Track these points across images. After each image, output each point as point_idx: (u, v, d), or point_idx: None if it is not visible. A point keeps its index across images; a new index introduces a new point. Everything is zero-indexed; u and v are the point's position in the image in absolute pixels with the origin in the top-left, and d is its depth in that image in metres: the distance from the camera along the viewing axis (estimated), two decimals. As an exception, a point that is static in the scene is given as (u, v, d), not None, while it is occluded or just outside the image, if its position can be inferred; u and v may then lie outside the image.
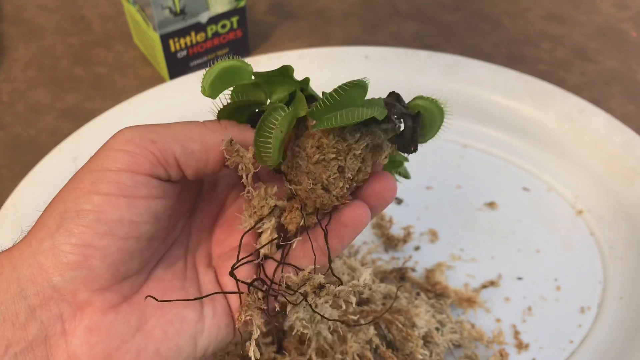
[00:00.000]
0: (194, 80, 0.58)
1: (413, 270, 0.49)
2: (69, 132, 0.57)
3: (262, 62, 0.57)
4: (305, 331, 0.31)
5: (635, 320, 0.46)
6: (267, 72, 0.29)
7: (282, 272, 0.30)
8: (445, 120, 0.30)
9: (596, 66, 0.69)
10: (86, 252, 0.25)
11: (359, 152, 0.29)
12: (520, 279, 0.49)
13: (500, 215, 0.54)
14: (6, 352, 0.25)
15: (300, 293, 0.29)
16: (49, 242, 0.25)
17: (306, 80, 0.29)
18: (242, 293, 0.30)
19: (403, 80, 0.60)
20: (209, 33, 0.63)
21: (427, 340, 0.42)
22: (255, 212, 0.30)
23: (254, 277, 0.30)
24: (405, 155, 0.32)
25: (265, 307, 0.29)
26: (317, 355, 0.38)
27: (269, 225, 0.30)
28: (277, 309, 0.30)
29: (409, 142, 0.29)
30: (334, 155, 0.28)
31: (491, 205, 0.54)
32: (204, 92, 0.28)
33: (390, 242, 0.51)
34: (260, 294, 0.29)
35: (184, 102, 0.56)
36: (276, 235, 0.30)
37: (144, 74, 0.67)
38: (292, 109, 0.28)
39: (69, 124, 0.61)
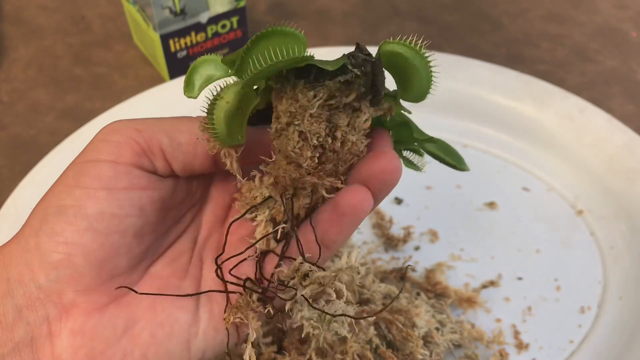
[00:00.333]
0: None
1: (413, 270, 0.49)
2: (69, 132, 0.57)
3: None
4: (315, 332, 0.29)
5: (635, 320, 0.46)
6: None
7: (277, 267, 0.28)
8: (434, 72, 0.26)
9: (596, 66, 0.69)
10: (68, 250, 0.25)
11: (315, 110, 0.26)
12: (520, 279, 0.49)
13: (500, 215, 0.54)
14: None
15: (290, 287, 0.27)
16: (34, 241, 0.25)
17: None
18: (235, 293, 0.28)
19: (403, 80, 0.60)
20: (209, 33, 0.63)
21: (427, 340, 0.42)
22: (248, 203, 0.29)
23: (251, 276, 0.28)
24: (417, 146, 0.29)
25: (260, 310, 0.28)
26: (317, 355, 0.38)
27: (262, 217, 0.28)
28: (271, 312, 0.28)
29: (369, 92, 0.26)
30: (288, 119, 0.26)
31: (491, 205, 0.54)
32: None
33: (390, 242, 0.51)
34: (255, 296, 0.28)
35: (184, 102, 0.56)
36: (271, 229, 0.28)
37: (144, 74, 0.67)
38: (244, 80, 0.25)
39: (69, 124, 0.61)
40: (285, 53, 0.23)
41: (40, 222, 0.25)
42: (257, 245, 0.28)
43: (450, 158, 0.30)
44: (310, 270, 0.27)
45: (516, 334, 0.46)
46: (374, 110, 0.27)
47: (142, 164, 0.26)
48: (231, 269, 0.28)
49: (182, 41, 0.62)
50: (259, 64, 0.23)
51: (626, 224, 0.52)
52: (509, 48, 0.71)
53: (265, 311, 0.28)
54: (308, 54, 0.24)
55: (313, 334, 0.29)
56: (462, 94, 0.61)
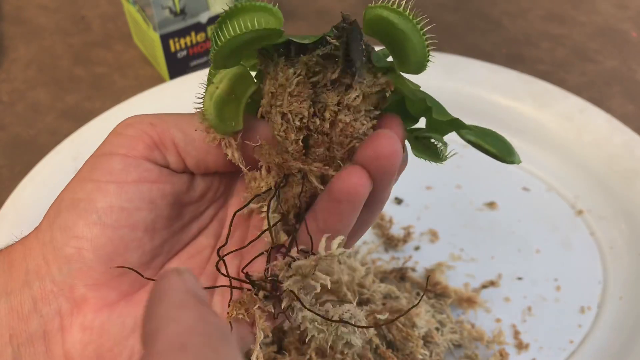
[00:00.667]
0: (194, 80, 0.58)
1: (413, 270, 0.49)
2: (69, 132, 0.57)
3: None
4: (320, 335, 0.27)
5: (635, 320, 0.46)
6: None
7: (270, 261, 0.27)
8: (427, 38, 0.23)
9: (596, 66, 0.69)
10: (78, 244, 0.25)
11: (293, 88, 0.24)
12: (520, 279, 0.49)
13: (500, 215, 0.54)
14: (10, 342, 0.25)
15: (277, 281, 0.26)
16: (49, 234, 0.25)
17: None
18: (239, 289, 0.27)
19: (403, 80, 0.60)
20: (209, 33, 0.63)
21: (427, 340, 0.42)
22: (253, 194, 0.27)
23: (261, 271, 0.27)
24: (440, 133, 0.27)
25: (269, 309, 0.27)
26: (317, 356, 0.38)
27: (265, 207, 0.27)
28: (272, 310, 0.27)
29: (344, 61, 0.24)
30: (270, 100, 0.25)
31: (491, 205, 0.54)
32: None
33: (390, 242, 0.51)
34: (261, 294, 0.26)
35: (184, 102, 0.56)
36: (277, 219, 0.27)
37: (144, 74, 0.67)
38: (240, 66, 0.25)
39: (69, 124, 0.61)
40: (252, 25, 0.22)
41: (54, 216, 0.26)
42: (265, 238, 0.27)
43: (492, 147, 0.27)
44: (293, 260, 0.26)
45: (516, 334, 0.46)
46: (367, 86, 0.25)
47: (153, 157, 0.26)
48: (244, 267, 0.27)
49: (182, 41, 0.62)
50: (224, 37, 0.22)
51: (626, 224, 0.52)
52: (509, 48, 0.71)
53: (274, 310, 0.27)
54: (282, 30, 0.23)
55: (317, 337, 0.27)
56: (462, 94, 0.61)
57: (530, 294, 0.48)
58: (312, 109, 0.24)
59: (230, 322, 0.27)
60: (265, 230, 0.27)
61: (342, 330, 0.27)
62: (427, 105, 0.25)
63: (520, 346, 0.45)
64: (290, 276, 0.26)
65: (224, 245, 0.28)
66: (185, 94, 0.58)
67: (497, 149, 0.26)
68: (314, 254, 0.26)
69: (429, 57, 0.24)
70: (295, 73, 0.24)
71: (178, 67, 0.64)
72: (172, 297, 0.19)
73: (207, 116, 0.25)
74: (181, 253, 0.29)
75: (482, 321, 0.47)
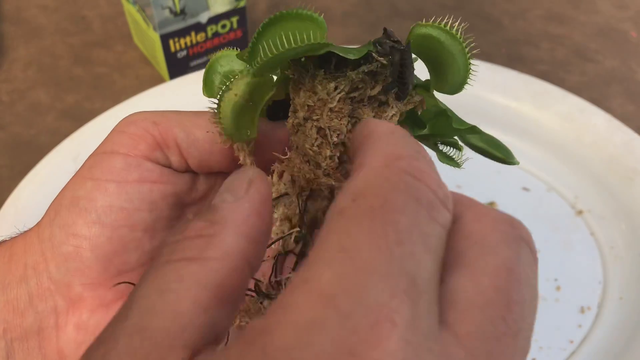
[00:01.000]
0: (194, 80, 0.58)
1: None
2: (69, 132, 0.57)
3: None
4: None
5: (635, 320, 0.46)
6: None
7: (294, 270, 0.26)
8: (472, 61, 0.23)
9: (596, 66, 0.69)
10: (77, 242, 0.25)
11: (335, 104, 0.23)
12: (520, 279, 0.49)
13: (500, 215, 0.54)
14: (3, 335, 0.25)
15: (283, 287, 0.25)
16: (49, 231, 0.25)
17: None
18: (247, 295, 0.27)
19: (403, 80, 0.60)
20: (209, 33, 0.63)
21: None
22: None
23: (264, 278, 0.26)
24: (457, 137, 0.26)
25: None
26: None
27: (276, 215, 0.26)
28: None
29: (395, 85, 0.23)
30: (306, 114, 0.23)
31: (491, 205, 0.54)
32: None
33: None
34: (267, 302, 0.25)
35: (184, 102, 0.56)
36: (287, 229, 0.26)
37: (144, 74, 0.67)
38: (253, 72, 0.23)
39: (69, 124, 0.61)
40: (299, 39, 0.20)
41: (55, 213, 0.25)
42: (272, 245, 0.26)
43: (497, 151, 0.27)
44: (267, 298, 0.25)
45: (516, 334, 0.46)
46: (402, 104, 0.24)
47: (155, 157, 0.26)
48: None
49: (182, 41, 0.62)
50: (270, 51, 0.21)
51: (626, 224, 0.52)
52: (509, 48, 0.71)
53: None
54: (327, 41, 0.21)
55: None
56: (462, 94, 0.60)
57: (530, 294, 0.48)
58: (349, 125, 0.23)
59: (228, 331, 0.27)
60: (279, 239, 0.26)
61: None
62: (448, 115, 0.25)
63: (520, 346, 0.45)
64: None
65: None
66: (185, 94, 0.59)
67: (502, 153, 0.26)
68: None
69: (469, 80, 0.23)
70: (337, 88, 0.23)
71: (178, 67, 0.64)
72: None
73: (224, 125, 0.24)
74: None
75: (482, 321, 0.47)
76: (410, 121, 0.26)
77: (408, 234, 0.15)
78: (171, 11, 0.59)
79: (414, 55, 0.24)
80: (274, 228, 0.27)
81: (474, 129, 0.25)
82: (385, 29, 0.23)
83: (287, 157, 0.25)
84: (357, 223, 0.15)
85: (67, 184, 0.26)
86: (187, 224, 0.18)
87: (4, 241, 0.27)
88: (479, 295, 0.16)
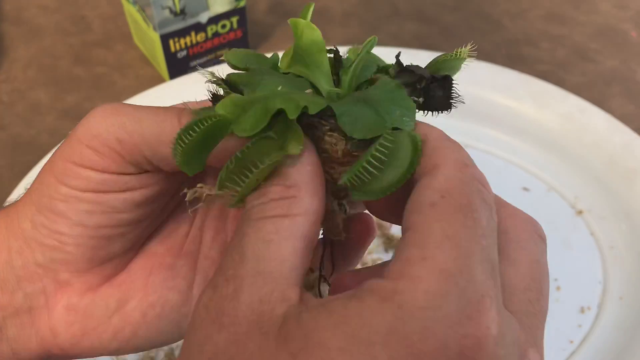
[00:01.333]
0: (194, 80, 0.58)
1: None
2: (69, 132, 0.57)
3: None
4: None
5: (635, 320, 0.46)
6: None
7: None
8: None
9: (596, 66, 0.69)
10: (60, 239, 0.25)
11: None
12: (520, 279, 0.49)
13: (500, 215, 0.54)
14: None
15: None
16: (29, 223, 0.25)
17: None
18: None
19: (403, 80, 0.60)
20: (209, 33, 0.63)
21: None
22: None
23: None
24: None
25: None
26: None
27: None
28: None
29: (443, 107, 0.25)
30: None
31: (491, 205, 0.54)
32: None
33: (390, 242, 0.51)
34: None
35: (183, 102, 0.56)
36: None
37: (144, 74, 0.67)
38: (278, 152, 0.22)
39: (69, 124, 0.61)
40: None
41: (35, 208, 0.25)
42: None
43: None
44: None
45: (516, 334, 0.46)
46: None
47: (129, 171, 0.25)
48: None
49: (182, 41, 0.62)
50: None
51: (626, 224, 0.52)
52: (509, 48, 0.71)
53: None
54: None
55: None
56: (462, 94, 0.60)
57: (530, 294, 0.48)
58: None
59: None
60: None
61: None
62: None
63: (520, 346, 0.45)
64: None
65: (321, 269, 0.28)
66: (185, 94, 0.59)
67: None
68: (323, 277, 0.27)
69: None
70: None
71: (178, 67, 0.64)
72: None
73: (176, 159, 0.23)
74: (160, 232, 0.29)
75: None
76: None
77: (487, 229, 0.19)
78: (171, 11, 0.59)
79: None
80: None
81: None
82: (403, 66, 0.24)
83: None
84: (452, 216, 0.19)
85: (39, 181, 0.25)
86: (267, 189, 0.21)
87: None
88: (521, 282, 0.21)
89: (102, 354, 0.27)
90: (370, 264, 0.49)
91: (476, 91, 0.61)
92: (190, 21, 0.61)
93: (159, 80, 0.66)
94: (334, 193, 0.25)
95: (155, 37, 0.61)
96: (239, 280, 0.20)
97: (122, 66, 0.68)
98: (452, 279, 0.18)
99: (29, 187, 0.26)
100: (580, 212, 0.54)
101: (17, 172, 0.56)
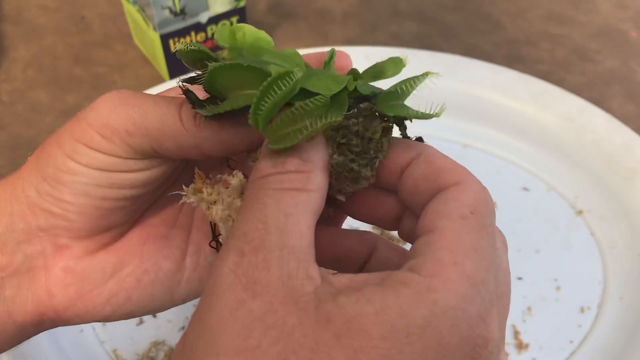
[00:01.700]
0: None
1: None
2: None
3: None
4: None
5: (635, 320, 0.46)
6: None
7: None
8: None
9: (596, 66, 0.69)
10: (64, 206, 0.26)
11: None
12: (520, 279, 0.49)
13: (500, 215, 0.53)
14: None
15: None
16: (34, 191, 0.26)
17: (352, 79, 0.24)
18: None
19: (403, 80, 0.60)
20: (209, 33, 0.63)
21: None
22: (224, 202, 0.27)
23: None
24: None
25: None
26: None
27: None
28: None
29: None
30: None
31: (491, 205, 0.54)
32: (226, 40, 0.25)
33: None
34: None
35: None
36: None
37: (144, 74, 0.67)
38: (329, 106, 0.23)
39: (69, 124, 0.61)
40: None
41: (41, 177, 0.26)
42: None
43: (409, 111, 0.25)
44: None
45: (516, 334, 0.46)
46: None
47: (135, 156, 0.26)
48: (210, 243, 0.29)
49: (182, 41, 0.62)
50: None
51: (626, 224, 0.52)
52: (509, 48, 0.71)
53: None
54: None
55: None
56: (462, 94, 0.61)
57: (530, 294, 0.48)
58: None
59: None
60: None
61: None
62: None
63: (520, 346, 0.45)
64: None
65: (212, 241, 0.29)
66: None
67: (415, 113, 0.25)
68: None
69: None
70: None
71: (178, 67, 0.64)
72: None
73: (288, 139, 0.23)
74: (155, 205, 0.30)
75: (482, 321, 0.47)
76: None
77: (496, 249, 0.23)
78: (171, 11, 0.59)
79: None
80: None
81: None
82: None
83: None
84: (479, 233, 0.21)
85: (45, 152, 0.26)
86: (283, 160, 0.22)
87: None
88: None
89: (94, 319, 0.28)
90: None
91: (476, 91, 0.61)
92: (190, 21, 0.61)
93: (159, 80, 0.66)
94: None
95: (155, 37, 0.61)
96: (267, 251, 0.20)
97: (122, 66, 0.68)
98: (476, 287, 0.20)
99: (35, 151, 0.28)
100: (580, 212, 0.54)
101: (17, 172, 0.56)
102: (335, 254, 0.27)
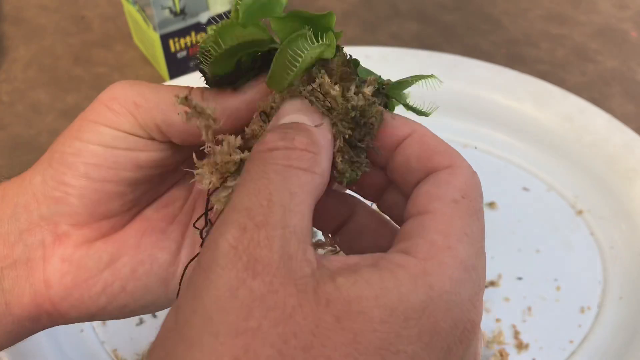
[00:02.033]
0: (194, 81, 0.58)
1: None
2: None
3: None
4: None
5: (635, 320, 0.46)
6: (303, 14, 0.26)
7: None
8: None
9: (596, 66, 0.69)
10: (66, 190, 0.27)
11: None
12: (520, 279, 0.49)
13: (500, 215, 0.54)
14: None
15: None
16: (40, 177, 0.28)
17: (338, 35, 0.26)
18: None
19: (403, 80, 0.60)
20: (209, 33, 0.63)
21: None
22: (217, 169, 0.26)
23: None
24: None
25: None
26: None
27: (232, 183, 0.27)
28: None
29: None
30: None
31: (491, 205, 0.54)
32: (236, 16, 0.25)
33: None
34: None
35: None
36: None
37: (144, 74, 0.67)
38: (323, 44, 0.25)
39: (68, 124, 0.61)
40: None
41: (47, 163, 0.28)
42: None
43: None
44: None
45: (516, 334, 0.46)
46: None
47: (139, 133, 0.27)
48: (195, 225, 0.29)
49: (182, 41, 0.62)
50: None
51: (626, 224, 0.52)
52: (509, 48, 0.71)
53: None
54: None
55: None
56: (462, 94, 0.61)
57: (530, 294, 0.48)
58: None
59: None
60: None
61: None
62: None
63: (520, 346, 0.45)
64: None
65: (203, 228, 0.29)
66: (185, 94, 0.59)
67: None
68: None
69: None
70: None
71: (178, 67, 0.64)
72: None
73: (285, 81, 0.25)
74: (157, 201, 0.31)
75: (482, 321, 0.46)
76: None
77: (484, 231, 0.23)
78: (171, 11, 0.59)
79: None
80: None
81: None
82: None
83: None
84: (470, 217, 0.22)
85: (57, 142, 0.28)
86: (292, 135, 0.22)
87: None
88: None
89: (89, 312, 0.28)
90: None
91: (476, 91, 0.61)
92: (190, 21, 0.61)
93: (159, 80, 0.66)
94: None
95: (155, 37, 0.61)
96: (270, 229, 0.20)
97: (122, 66, 0.68)
98: (468, 271, 0.20)
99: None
100: (580, 212, 0.54)
101: (17, 172, 0.56)
102: (315, 211, 0.27)
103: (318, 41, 0.24)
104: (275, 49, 0.25)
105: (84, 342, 0.45)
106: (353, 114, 0.24)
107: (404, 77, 0.27)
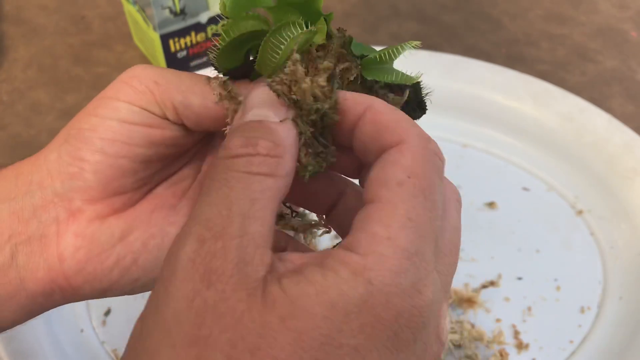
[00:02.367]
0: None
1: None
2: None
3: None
4: None
5: (635, 320, 0.46)
6: (292, 0, 0.26)
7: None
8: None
9: (596, 66, 0.69)
10: (81, 165, 0.28)
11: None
12: (520, 279, 0.49)
13: (500, 215, 0.54)
14: (8, 241, 0.28)
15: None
16: (56, 154, 0.28)
17: (329, 16, 0.27)
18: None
19: (403, 80, 0.60)
20: (209, 33, 0.63)
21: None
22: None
23: None
24: None
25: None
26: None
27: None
28: None
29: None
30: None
31: (491, 205, 0.54)
32: (223, 10, 0.26)
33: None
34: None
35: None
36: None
37: (144, 74, 0.67)
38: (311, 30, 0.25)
39: (69, 124, 0.61)
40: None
41: (63, 139, 0.28)
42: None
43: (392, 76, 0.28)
44: (287, 214, 0.29)
45: (516, 334, 0.46)
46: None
47: (155, 111, 0.28)
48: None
49: (182, 41, 0.62)
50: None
51: (626, 224, 0.52)
52: (509, 48, 0.71)
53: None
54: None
55: None
56: (462, 94, 0.61)
57: (530, 294, 0.48)
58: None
59: None
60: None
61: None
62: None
63: (520, 346, 0.45)
64: (282, 225, 0.29)
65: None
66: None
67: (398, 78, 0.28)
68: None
69: None
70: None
71: (178, 67, 0.64)
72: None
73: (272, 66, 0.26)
74: (168, 181, 0.31)
75: (482, 321, 0.47)
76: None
77: (439, 210, 0.22)
78: (171, 11, 0.59)
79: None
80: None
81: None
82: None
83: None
84: (415, 198, 0.21)
85: (73, 119, 0.29)
86: (255, 140, 0.22)
87: (15, 164, 0.30)
88: (446, 247, 0.24)
89: (101, 286, 0.29)
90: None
91: (476, 91, 0.61)
92: (190, 21, 0.61)
93: (159, 80, 0.66)
94: None
95: (155, 37, 0.61)
96: (227, 239, 0.20)
97: (122, 66, 0.68)
98: (410, 259, 0.20)
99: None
100: (580, 212, 0.54)
101: (17, 172, 0.56)
102: (304, 193, 0.28)
103: (308, 28, 0.25)
104: None
105: (84, 342, 0.45)
106: (314, 116, 0.24)
107: (398, 72, 0.27)
